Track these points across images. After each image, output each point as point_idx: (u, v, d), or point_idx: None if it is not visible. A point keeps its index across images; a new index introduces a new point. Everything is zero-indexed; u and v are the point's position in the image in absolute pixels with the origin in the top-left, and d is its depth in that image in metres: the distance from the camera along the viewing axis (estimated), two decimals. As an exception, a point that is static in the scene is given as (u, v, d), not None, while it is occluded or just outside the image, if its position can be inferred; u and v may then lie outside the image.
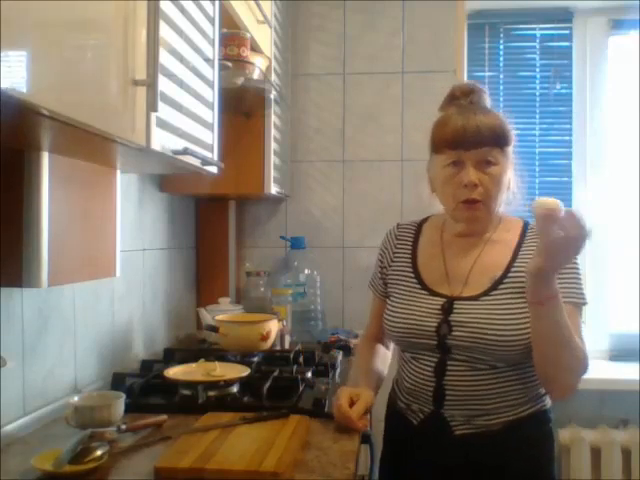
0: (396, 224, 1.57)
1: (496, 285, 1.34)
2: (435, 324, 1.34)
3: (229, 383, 1.53)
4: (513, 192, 1.43)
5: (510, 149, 1.38)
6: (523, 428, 1.35)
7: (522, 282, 1.28)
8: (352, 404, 1.34)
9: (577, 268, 1.35)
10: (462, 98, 1.41)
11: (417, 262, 1.46)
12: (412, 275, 1.45)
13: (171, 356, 1.89)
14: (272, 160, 2.21)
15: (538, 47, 2.72)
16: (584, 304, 1.34)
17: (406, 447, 1.44)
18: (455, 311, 1.34)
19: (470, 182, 1.32)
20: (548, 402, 1.41)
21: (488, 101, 1.44)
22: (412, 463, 1.42)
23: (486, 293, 1.34)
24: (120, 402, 1.32)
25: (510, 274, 1.35)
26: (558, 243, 1.13)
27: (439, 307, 1.36)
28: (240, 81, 1.87)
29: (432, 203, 1.48)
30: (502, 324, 1.29)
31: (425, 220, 1.55)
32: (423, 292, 1.40)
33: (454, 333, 1.32)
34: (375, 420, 1.72)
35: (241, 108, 2.15)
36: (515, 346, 1.29)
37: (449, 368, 1.34)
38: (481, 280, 1.36)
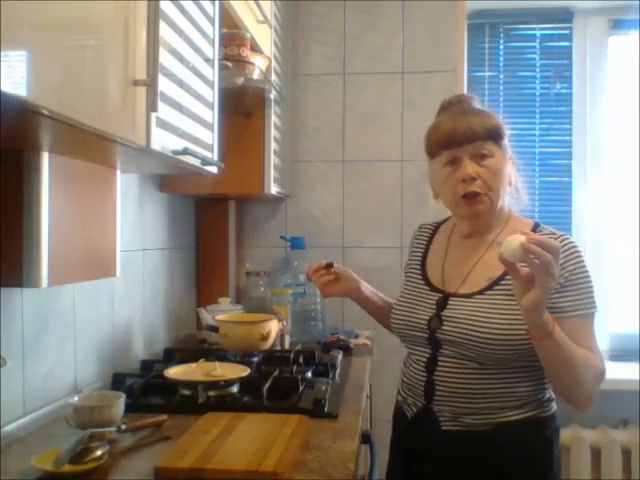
0: (419, 225, 1.62)
1: (492, 285, 1.35)
2: (427, 317, 1.38)
3: (229, 383, 1.53)
4: (516, 188, 1.43)
5: (505, 143, 1.39)
6: (516, 432, 1.33)
7: None
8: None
9: (588, 276, 1.33)
10: (453, 106, 1.44)
11: (426, 260, 1.51)
12: (419, 272, 1.49)
13: (171, 356, 1.89)
14: (272, 160, 2.21)
15: (538, 47, 2.73)
16: (595, 311, 1.34)
17: (402, 441, 1.46)
18: (448, 307, 1.37)
19: (467, 175, 1.34)
20: (552, 408, 1.38)
21: (479, 105, 1.47)
22: (407, 458, 1.43)
23: (481, 292, 1.36)
24: (120, 402, 1.32)
25: (509, 276, 1.34)
26: (549, 260, 1.11)
27: (434, 302, 1.39)
28: (240, 81, 1.87)
29: (438, 210, 1.50)
30: (491, 322, 1.30)
31: (444, 221, 1.58)
32: (425, 287, 1.45)
33: (444, 327, 1.35)
34: (377, 420, 1.72)
35: (241, 108, 2.15)
36: (502, 345, 1.29)
37: (439, 363, 1.36)
38: (479, 280, 1.38)
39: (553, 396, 1.38)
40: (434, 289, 1.43)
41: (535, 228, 1.41)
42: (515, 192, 1.43)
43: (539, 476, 1.36)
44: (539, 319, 1.17)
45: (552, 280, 1.14)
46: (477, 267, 1.40)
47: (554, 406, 1.39)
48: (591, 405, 1.30)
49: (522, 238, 1.13)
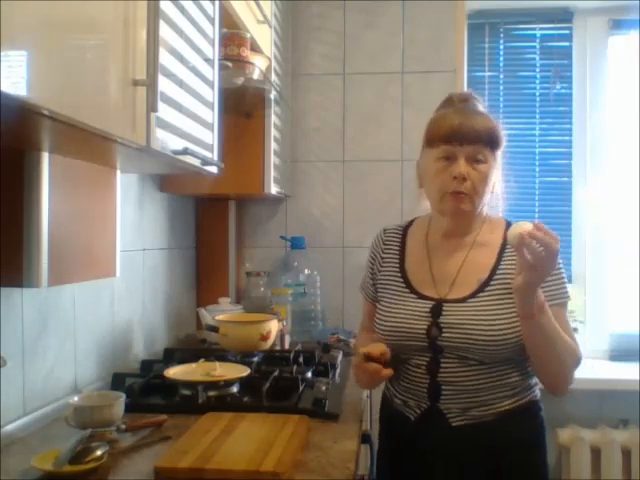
0: (382, 229, 1.60)
1: (483, 287, 1.38)
2: (425, 327, 1.38)
3: (229, 383, 1.54)
4: (496, 196, 1.47)
5: (499, 153, 1.42)
6: (516, 418, 1.38)
7: (508, 283, 1.34)
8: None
9: (560, 268, 1.39)
10: (458, 103, 1.46)
11: (405, 266, 1.49)
12: (400, 279, 1.47)
13: (171, 356, 1.89)
14: (272, 160, 2.21)
15: (538, 47, 2.72)
16: (569, 300, 1.41)
17: (404, 443, 1.45)
18: (444, 313, 1.37)
19: (460, 174, 1.36)
20: (538, 393, 1.45)
21: (484, 108, 1.49)
22: (411, 458, 1.43)
23: (473, 295, 1.38)
24: (120, 402, 1.32)
25: (496, 276, 1.39)
26: (540, 257, 1.20)
27: (428, 310, 1.39)
28: (240, 81, 1.87)
29: (419, 199, 1.52)
30: (490, 325, 1.33)
31: (410, 223, 1.58)
32: (411, 295, 1.43)
33: (444, 335, 1.36)
34: (377, 420, 1.71)
35: (241, 108, 2.15)
36: (504, 345, 1.33)
37: (442, 365, 1.37)
38: (468, 282, 1.39)
39: (537, 381, 1.44)
40: (421, 296, 1.42)
41: (508, 227, 1.44)
42: (494, 200, 1.48)
43: (538, 454, 1.43)
44: (526, 301, 1.25)
45: (536, 277, 1.22)
46: (464, 269, 1.42)
47: (538, 391, 1.46)
48: (568, 391, 1.38)
49: (528, 226, 1.20)
